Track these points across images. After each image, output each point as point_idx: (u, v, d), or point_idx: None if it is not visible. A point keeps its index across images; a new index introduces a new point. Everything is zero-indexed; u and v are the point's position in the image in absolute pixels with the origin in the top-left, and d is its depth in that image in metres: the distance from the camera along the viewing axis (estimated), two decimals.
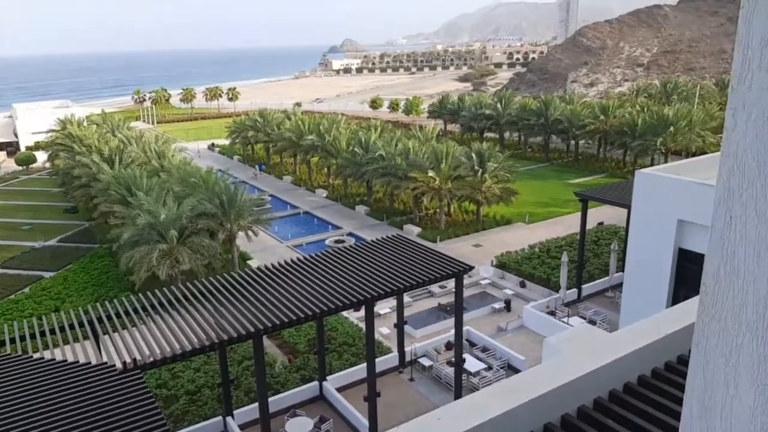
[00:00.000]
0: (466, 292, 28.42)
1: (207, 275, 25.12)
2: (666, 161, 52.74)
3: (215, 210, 34.22)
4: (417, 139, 51.98)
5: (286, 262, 21.42)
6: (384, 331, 28.27)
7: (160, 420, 12.14)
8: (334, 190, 56.78)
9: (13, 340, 17.51)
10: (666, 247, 18.52)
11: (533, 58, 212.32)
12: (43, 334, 17.64)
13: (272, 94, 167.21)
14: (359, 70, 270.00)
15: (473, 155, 43.82)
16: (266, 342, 25.15)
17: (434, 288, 32.06)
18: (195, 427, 21.11)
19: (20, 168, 77.10)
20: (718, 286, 1.87)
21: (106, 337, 17.21)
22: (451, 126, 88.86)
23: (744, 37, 1.73)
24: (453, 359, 22.74)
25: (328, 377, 23.71)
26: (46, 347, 16.60)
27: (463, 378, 23.06)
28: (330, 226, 47.39)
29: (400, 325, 25.55)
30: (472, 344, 26.72)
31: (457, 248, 38.68)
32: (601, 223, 42.04)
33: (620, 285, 26.26)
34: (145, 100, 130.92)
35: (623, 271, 22.83)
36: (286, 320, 17.16)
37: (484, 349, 26.13)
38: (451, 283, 26.83)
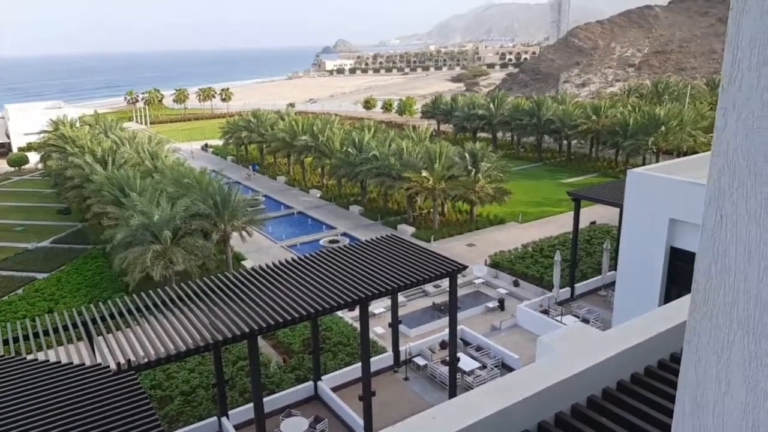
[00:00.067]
0: (460, 292, 28.49)
1: (201, 276, 25.05)
2: (657, 161, 52.98)
3: (209, 210, 34.12)
4: (410, 139, 52.02)
5: (280, 263, 21.39)
6: (378, 330, 28.28)
7: (154, 421, 12.11)
8: (328, 191, 56.72)
9: (6, 342, 17.40)
10: (658, 245, 18.62)
11: (525, 59, 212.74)
12: (36, 335, 17.54)
13: (265, 95, 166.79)
14: (352, 71, 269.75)
15: (466, 155, 43.90)
16: (261, 342, 25.13)
17: (428, 287, 32.10)
18: (190, 427, 21.07)
19: (12, 169, 76.60)
20: (710, 285, 1.89)
21: (100, 338, 17.14)
22: (444, 126, 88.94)
23: (734, 38, 1.76)
24: (447, 358, 22.77)
25: (323, 377, 23.71)
26: (39, 349, 16.52)
27: (458, 377, 23.11)
28: (324, 227, 47.34)
29: (394, 325, 25.56)
30: (466, 343, 26.78)
31: (451, 248, 38.73)
32: (593, 223, 42.19)
33: (613, 284, 26.39)
34: (137, 100, 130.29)
35: (616, 269, 22.93)
36: (280, 320, 17.14)
37: (479, 348, 26.18)
38: (445, 283, 26.85)
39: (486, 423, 4.42)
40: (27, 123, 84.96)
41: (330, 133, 56.93)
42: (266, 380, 23.51)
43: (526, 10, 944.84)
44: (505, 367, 24.91)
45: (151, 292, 19.82)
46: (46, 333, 17.73)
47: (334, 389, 23.36)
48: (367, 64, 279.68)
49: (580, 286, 32.08)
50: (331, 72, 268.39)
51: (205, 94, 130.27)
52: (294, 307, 17.63)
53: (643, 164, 52.93)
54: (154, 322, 17.92)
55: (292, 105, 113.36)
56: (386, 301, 28.69)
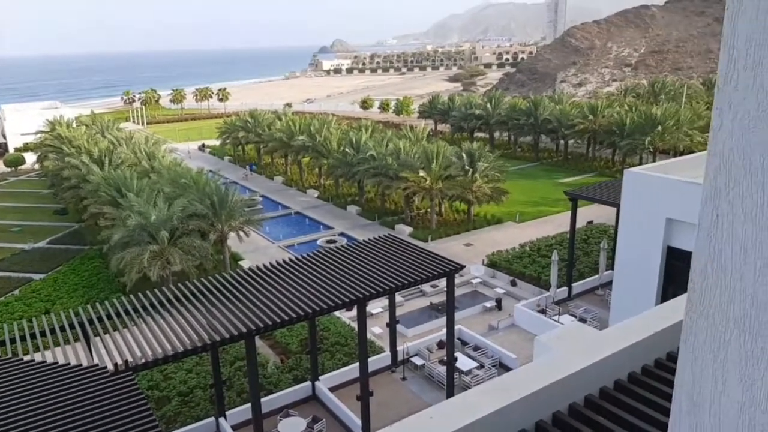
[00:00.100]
0: (458, 291, 28.51)
1: (198, 276, 25.04)
2: (654, 160, 53.09)
3: (206, 211, 34.08)
4: (408, 139, 52.04)
5: (277, 263, 21.38)
6: (376, 330, 28.29)
7: (152, 422, 12.09)
8: (325, 191, 56.70)
9: (2, 343, 17.37)
10: (655, 245, 18.66)
11: (522, 59, 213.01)
12: (33, 336, 17.50)
13: (263, 95, 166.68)
14: (349, 71, 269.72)
15: (464, 155, 43.93)
16: (258, 342, 25.09)
17: (426, 287, 32.11)
18: (187, 428, 21.03)
19: (9, 170, 76.42)
20: (706, 284, 1.90)
21: (97, 338, 17.11)
22: (441, 126, 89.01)
23: (729, 38, 1.76)
24: (445, 358, 22.78)
25: (320, 377, 23.70)
26: (36, 350, 16.48)
27: (455, 376, 23.12)
28: (322, 227, 47.33)
29: (392, 325, 25.57)
30: (463, 343, 26.80)
31: (449, 247, 38.75)
32: (590, 222, 42.26)
33: (610, 283, 26.41)
34: (134, 100, 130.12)
35: (613, 269, 22.98)
36: (278, 320, 17.13)
37: (476, 348, 26.21)
38: (442, 283, 26.87)
39: (484, 422, 4.43)
40: (23, 123, 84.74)
41: (327, 133, 56.91)
42: (264, 380, 23.49)
43: (523, 10, 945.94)
44: (503, 367, 24.94)
45: (148, 292, 19.79)
46: (43, 334, 17.70)
47: (332, 389, 23.35)
48: (364, 64, 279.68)
49: (578, 286, 32.13)
50: (328, 72, 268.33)
51: (202, 94, 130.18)
52: (291, 308, 17.62)
53: (640, 164, 53.03)
54: (151, 322, 17.90)
55: (289, 105, 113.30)
56: (384, 301, 28.69)
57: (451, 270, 20.47)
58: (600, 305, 30.21)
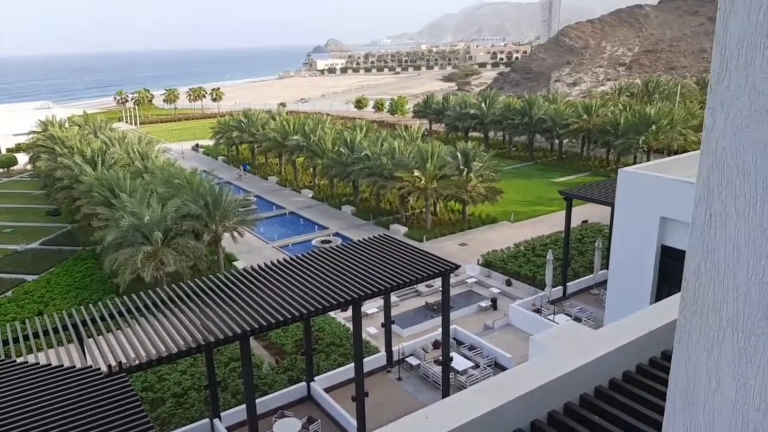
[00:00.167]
0: (453, 291, 28.51)
1: (192, 277, 24.96)
2: (648, 159, 53.29)
3: (200, 211, 33.98)
4: (402, 138, 52.03)
5: (272, 263, 21.34)
6: (371, 330, 28.28)
7: (146, 423, 12.05)
8: (320, 191, 56.65)
9: None
10: (649, 244, 18.73)
11: (517, 58, 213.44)
12: (26, 338, 17.41)
13: (256, 95, 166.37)
14: (344, 70, 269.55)
15: (458, 155, 43.97)
16: (253, 343, 25.07)
17: (421, 287, 32.13)
18: (182, 429, 20.97)
19: (1, 170, 75.95)
20: (699, 283, 1.91)
21: (91, 340, 17.03)
22: (436, 126, 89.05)
23: (721, 38, 1.77)
24: (440, 358, 22.81)
25: (315, 378, 23.67)
26: (29, 351, 16.39)
27: (451, 376, 23.14)
28: (316, 227, 47.28)
29: (387, 325, 25.56)
30: (459, 343, 26.83)
31: (444, 247, 38.78)
32: (585, 221, 42.38)
33: (605, 282, 26.50)
34: (127, 100, 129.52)
35: (607, 268, 23.04)
36: (273, 321, 17.10)
37: (471, 348, 26.24)
38: (437, 282, 26.89)
39: (479, 422, 4.43)
40: (15, 123, 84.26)
41: (321, 133, 56.86)
42: (259, 381, 23.44)
43: (517, 10, 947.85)
44: (498, 367, 24.97)
45: (141, 293, 19.71)
46: (36, 335, 17.60)
47: (327, 390, 23.33)
48: (358, 63, 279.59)
49: (572, 285, 32.22)
50: (322, 71, 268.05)
51: (196, 94, 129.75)
52: (286, 308, 17.59)
53: (634, 163, 53.21)
54: (145, 323, 17.84)
55: (283, 104, 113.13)
56: (379, 301, 28.70)
57: (446, 270, 20.48)
58: (595, 304, 30.30)
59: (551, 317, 28.25)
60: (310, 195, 56.10)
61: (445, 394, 22.03)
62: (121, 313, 18.71)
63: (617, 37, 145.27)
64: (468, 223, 44.43)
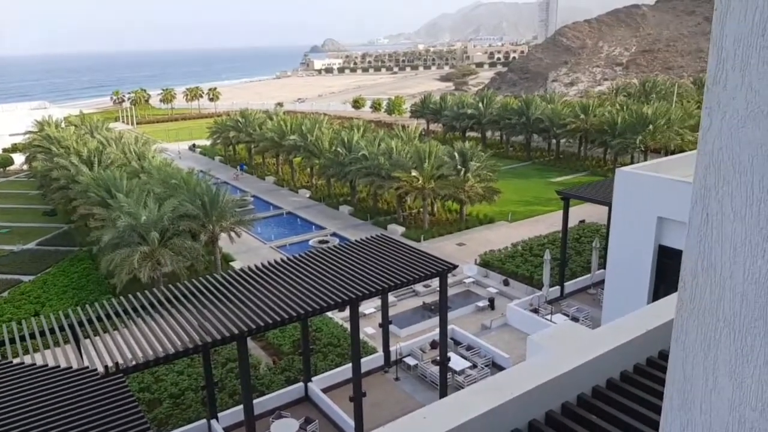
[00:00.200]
0: (451, 291, 28.55)
1: (189, 277, 24.92)
2: (645, 159, 53.38)
3: (197, 211, 33.94)
4: (400, 138, 52.04)
5: (269, 263, 21.32)
6: (369, 330, 28.27)
7: (143, 424, 12.03)
8: (317, 191, 56.62)
9: None
10: (646, 244, 18.76)
11: (514, 58, 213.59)
12: (23, 338, 17.37)
13: (253, 94, 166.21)
14: (341, 70, 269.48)
15: (456, 154, 43.99)
16: (250, 344, 25.04)
17: (418, 287, 32.13)
18: (179, 430, 20.95)
19: None
20: (696, 282, 1.91)
21: (88, 341, 17.00)
22: (433, 125, 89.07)
23: (718, 39, 1.77)
24: (438, 358, 22.82)
25: (313, 378, 23.66)
26: (26, 352, 16.37)
27: (448, 376, 23.15)
28: (314, 227, 47.25)
29: (384, 325, 25.57)
30: (456, 343, 26.84)
31: (441, 247, 38.80)
32: (582, 221, 42.44)
33: (602, 282, 26.56)
34: (124, 100, 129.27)
35: (605, 268, 23.09)
36: (270, 321, 17.09)
37: (469, 348, 26.25)
38: (435, 282, 26.90)
39: (477, 422, 4.44)
40: (12, 123, 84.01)
41: (319, 133, 56.82)
42: (256, 382, 23.42)
43: (514, 9, 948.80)
44: (496, 367, 24.99)
45: (138, 294, 19.68)
46: (32, 336, 17.56)
47: (325, 390, 23.32)
48: (355, 63, 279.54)
49: (570, 285, 32.26)
50: (319, 71, 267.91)
51: (192, 94, 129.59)
52: (284, 308, 17.58)
53: (632, 163, 53.30)
54: (142, 324, 17.81)
55: (280, 104, 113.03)
56: (376, 302, 28.70)
57: (443, 270, 20.49)
58: (592, 304, 30.35)
59: (549, 317, 28.28)
60: (308, 195, 56.06)
61: (443, 394, 22.04)
62: (117, 314, 18.67)
63: (614, 37, 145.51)
64: (465, 223, 44.46)
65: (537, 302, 30.02)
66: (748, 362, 1.78)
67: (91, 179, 39.35)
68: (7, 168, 76.13)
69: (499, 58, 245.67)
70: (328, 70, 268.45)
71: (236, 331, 16.61)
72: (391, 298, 29.53)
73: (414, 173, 42.18)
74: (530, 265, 34.60)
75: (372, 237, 23.35)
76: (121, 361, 15.28)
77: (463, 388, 20.71)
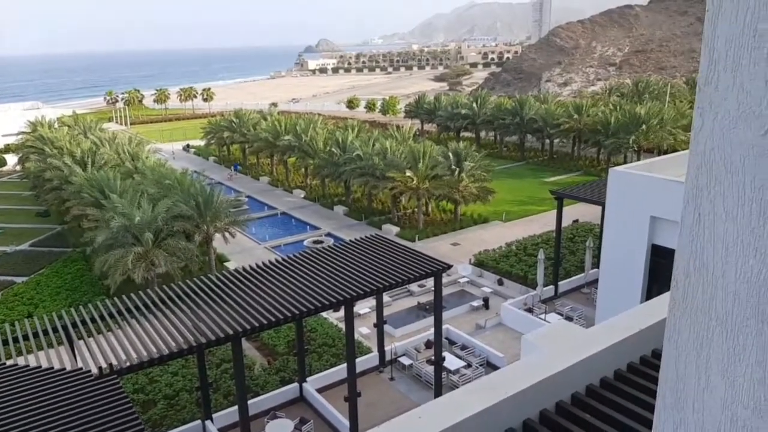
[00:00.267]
0: (445, 291, 28.58)
1: (184, 278, 24.86)
2: (639, 159, 53.59)
3: (191, 212, 33.84)
4: (394, 138, 52.03)
5: (264, 264, 21.29)
6: (364, 330, 28.27)
7: (137, 425, 11.98)
8: (311, 191, 56.55)
9: None
10: (639, 243, 18.84)
11: (508, 58, 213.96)
12: (16, 340, 17.26)
13: (247, 95, 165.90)
14: (335, 70, 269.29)
15: (450, 155, 44.04)
16: (245, 344, 24.96)
17: (413, 287, 32.15)
18: (174, 431, 20.87)
19: None
20: (688, 282, 1.92)
21: (81, 342, 16.92)
22: (427, 126, 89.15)
23: (710, 40, 1.78)
24: (433, 358, 22.84)
25: (308, 378, 23.63)
26: (19, 353, 16.26)
27: (443, 376, 23.17)
28: (308, 227, 47.20)
29: (379, 325, 25.57)
30: (451, 342, 26.86)
31: (436, 247, 38.84)
32: (576, 221, 42.57)
33: (596, 281, 26.63)
34: (117, 101, 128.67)
35: (598, 267, 23.17)
36: (265, 322, 17.06)
37: (464, 347, 26.29)
38: (429, 282, 26.93)
39: (471, 421, 4.45)
40: (4, 124, 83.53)
41: (313, 133, 56.77)
42: (251, 382, 23.38)
43: (508, 10, 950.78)
44: (490, 366, 25.03)
45: (132, 294, 19.60)
46: (25, 337, 17.46)
47: (320, 390, 23.30)
48: (350, 63, 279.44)
49: (564, 284, 32.35)
50: (313, 71, 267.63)
51: (186, 94, 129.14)
52: (278, 309, 17.55)
53: (625, 162, 53.50)
54: (136, 325, 17.74)
55: (274, 105, 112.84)
56: (371, 302, 28.69)
57: (438, 269, 20.51)
58: (586, 303, 30.44)
59: (543, 316, 28.35)
60: (302, 195, 56.00)
61: (438, 393, 22.06)
62: (111, 315, 18.59)
63: (607, 38, 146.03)
64: (460, 223, 44.51)
65: (531, 302, 30.09)
66: (740, 361, 1.79)
67: (84, 180, 39.19)
68: (0, 169, 75.69)
69: (493, 59, 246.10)
70: (323, 71, 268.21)
71: (231, 332, 16.57)
72: (385, 298, 29.53)
73: (408, 173, 42.20)
74: (524, 264, 34.67)
75: (367, 237, 23.34)
76: (115, 363, 15.22)
77: (457, 387, 20.71)
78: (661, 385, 2.10)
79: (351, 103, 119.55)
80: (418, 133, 72.49)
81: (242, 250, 40.88)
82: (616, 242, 19.95)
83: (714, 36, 1.76)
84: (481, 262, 35.89)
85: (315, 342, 26.88)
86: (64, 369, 14.52)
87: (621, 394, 5.32)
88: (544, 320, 27.52)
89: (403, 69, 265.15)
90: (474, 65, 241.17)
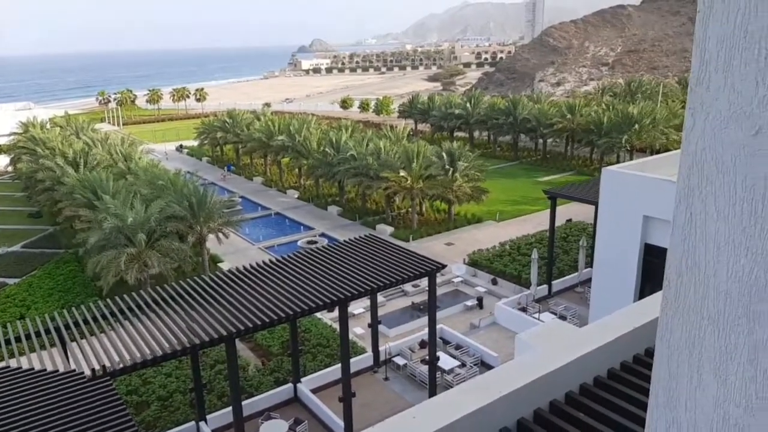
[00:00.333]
0: (439, 291, 28.60)
1: (177, 279, 24.77)
2: (631, 158, 53.82)
3: (184, 212, 33.72)
4: (388, 138, 52.05)
5: (258, 264, 21.24)
6: (358, 331, 28.26)
7: (131, 427, 11.94)
8: (305, 191, 56.47)
9: None
10: (632, 242, 18.92)
11: (501, 58, 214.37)
12: (8, 342, 17.15)
13: (241, 95, 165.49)
14: (329, 70, 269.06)
15: (444, 154, 44.08)
16: (239, 345, 24.93)
17: (407, 287, 32.15)
18: None
19: None
20: (681, 281, 1.93)
21: (74, 344, 16.83)
22: (421, 125, 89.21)
23: (701, 40, 1.79)
24: (427, 357, 22.85)
25: (302, 379, 23.60)
26: (11, 356, 16.15)
27: (438, 376, 23.20)
28: (302, 227, 47.13)
29: (374, 325, 25.56)
30: (445, 342, 26.89)
31: (430, 247, 38.87)
32: (569, 220, 42.69)
33: (589, 280, 26.74)
34: (109, 101, 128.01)
35: (591, 266, 23.26)
36: (259, 323, 17.02)
37: (458, 347, 26.31)
38: (424, 282, 26.93)
39: (466, 421, 4.45)
40: None
41: (307, 133, 56.68)
42: (245, 383, 23.32)
43: (501, 10, 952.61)
44: (485, 365, 25.07)
45: (125, 296, 19.52)
46: (18, 339, 17.35)
47: (314, 391, 23.27)
48: (343, 63, 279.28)
49: (557, 284, 32.45)
50: (307, 71, 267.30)
51: (179, 95, 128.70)
52: (272, 309, 17.52)
53: (618, 162, 53.71)
54: (129, 326, 17.66)
55: (268, 105, 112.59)
56: (365, 302, 28.68)
57: (432, 269, 20.53)
58: (579, 302, 30.54)
59: (537, 316, 28.42)
60: (296, 195, 55.91)
61: (432, 393, 22.08)
62: (104, 316, 18.51)
63: (600, 37, 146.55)
64: (454, 223, 44.57)
65: (525, 301, 30.16)
66: (732, 360, 1.80)
67: (76, 181, 38.98)
68: None
69: (486, 59, 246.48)
70: (316, 71, 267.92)
71: (225, 333, 16.53)
72: (380, 298, 29.52)
73: (402, 173, 42.21)
74: (518, 264, 34.75)
75: (361, 237, 23.33)
76: (108, 364, 15.16)
77: (452, 387, 20.74)
78: (654, 383, 2.11)
79: (345, 103, 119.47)
80: (411, 133, 72.50)
81: (236, 250, 40.78)
82: (609, 241, 20.03)
83: (705, 37, 1.77)
84: (475, 262, 35.94)
85: (309, 342, 26.84)
86: (57, 371, 14.45)
87: (615, 392, 5.34)
88: (538, 319, 27.58)
89: (396, 69, 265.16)
90: (467, 65, 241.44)
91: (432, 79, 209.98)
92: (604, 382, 5.51)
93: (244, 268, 21.04)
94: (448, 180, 42.76)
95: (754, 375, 1.74)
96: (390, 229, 43.05)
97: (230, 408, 19.18)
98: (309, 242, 41.02)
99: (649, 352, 5.81)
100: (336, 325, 26.14)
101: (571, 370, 5.28)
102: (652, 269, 18.90)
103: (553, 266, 32.75)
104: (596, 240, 21.31)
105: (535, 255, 29.82)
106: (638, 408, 5.04)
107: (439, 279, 26.85)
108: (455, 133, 77.38)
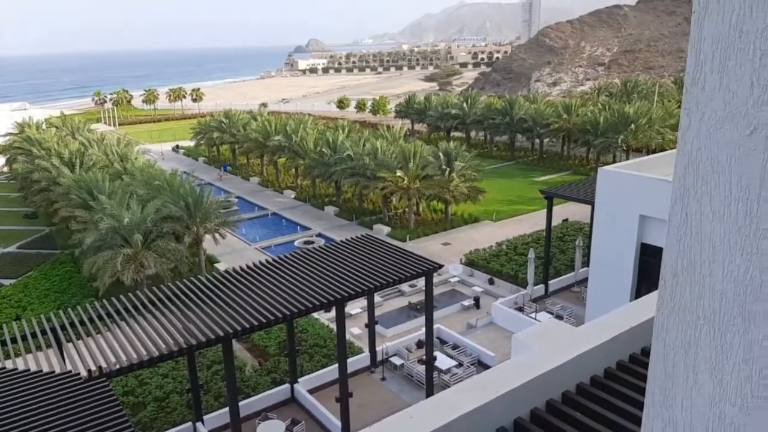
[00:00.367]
0: (436, 291, 28.60)
1: (173, 279, 24.72)
2: (628, 158, 53.91)
3: (181, 213, 33.66)
4: (385, 138, 52.03)
5: (254, 265, 21.22)
6: (355, 331, 28.24)
7: (128, 428, 11.91)
8: (302, 191, 56.42)
9: None
10: (629, 242, 18.95)
11: (497, 58, 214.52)
12: (3, 343, 17.10)
13: (237, 95, 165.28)
14: (325, 70, 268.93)
15: (440, 154, 44.10)
16: (236, 345, 24.87)
17: (404, 287, 32.16)
18: None
19: None
20: (676, 281, 1.93)
21: (70, 344, 16.79)
22: (418, 126, 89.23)
23: (696, 41, 1.80)
24: (424, 357, 22.86)
25: (299, 379, 23.59)
26: (7, 357, 16.10)
27: (434, 376, 23.20)
28: (299, 227, 47.10)
29: (371, 325, 25.56)
30: (442, 342, 26.90)
31: (427, 247, 38.88)
32: (566, 220, 42.76)
33: (585, 280, 26.76)
34: (105, 101, 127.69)
35: (588, 266, 23.29)
36: (255, 323, 17.00)
37: (455, 347, 26.33)
38: (421, 282, 26.95)
39: (463, 421, 4.45)
40: None
41: (303, 133, 56.64)
42: (242, 384, 23.29)
43: (497, 10, 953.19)
44: (482, 365, 25.10)
45: (121, 296, 19.48)
46: (13, 341, 17.30)
47: (311, 391, 23.26)
48: (340, 63, 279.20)
49: (554, 283, 32.50)
50: (303, 71, 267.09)
51: (176, 95, 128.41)
52: (269, 310, 17.50)
53: (614, 162, 53.79)
54: (125, 327, 17.63)
55: (264, 105, 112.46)
56: (362, 302, 28.66)
57: (429, 269, 20.53)
58: (576, 302, 30.59)
59: (533, 315, 28.46)
60: (293, 196, 55.86)
61: (429, 393, 22.08)
62: (100, 317, 18.46)
63: (596, 38, 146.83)
64: (451, 223, 44.59)
65: (522, 301, 30.20)
66: (727, 359, 1.81)
67: (72, 181, 38.88)
68: None
69: (482, 59, 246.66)
70: (313, 71, 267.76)
71: (221, 333, 16.51)
72: (377, 298, 29.51)
73: (399, 173, 42.22)
74: (515, 263, 34.79)
75: (357, 237, 23.32)
76: (104, 365, 15.12)
77: (449, 387, 20.76)
78: (650, 383, 2.11)
79: (341, 103, 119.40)
80: (408, 133, 72.52)
81: (232, 251, 40.73)
82: (605, 241, 20.05)
83: (701, 37, 1.78)
84: (471, 262, 35.97)
85: (306, 343, 26.83)
86: (53, 372, 14.40)
87: (611, 392, 5.35)
88: (535, 319, 27.62)
89: (393, 69, 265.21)
90: (464, 65, 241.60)
91: (429, 79, 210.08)
92: (600, 381, 5.52)
93: (241, 268, 21.02)
94: (444, 180, 42.78)
95: (750, 374, 1.75)
96: (387, 229, 43.06)
97: (227, 408, 19.15)
98: (306, 242, 40.99)
99: (646, 352, 5.82)
100: (333, 326, 26.15)
101: (568, 370, 5.29)
102: (648, 269, 18.93)
103: (549, 266, 32.80)
104: (592, 239, 21.33)
105: (531, 255, 29.86)
106: (634, 407, 5.05)
107: (436, 279, 26.84)
108: (452, 133, 77.44)
